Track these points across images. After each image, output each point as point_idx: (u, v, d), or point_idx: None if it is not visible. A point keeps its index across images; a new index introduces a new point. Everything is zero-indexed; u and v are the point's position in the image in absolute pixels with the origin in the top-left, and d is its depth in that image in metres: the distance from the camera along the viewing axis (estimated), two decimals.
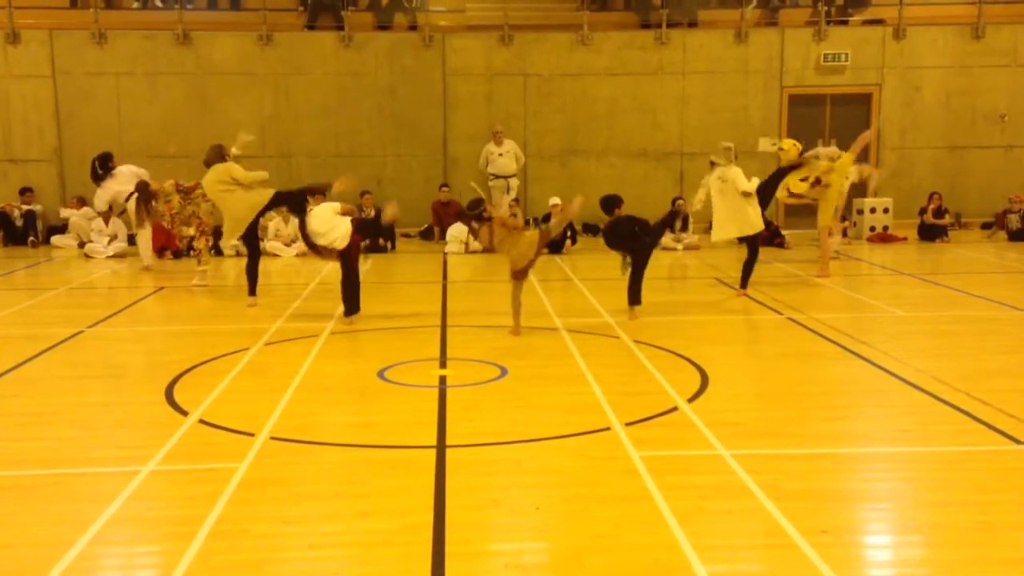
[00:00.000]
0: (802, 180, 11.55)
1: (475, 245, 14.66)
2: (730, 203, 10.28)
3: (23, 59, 16.21)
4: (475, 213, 8.45)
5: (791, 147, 11.43)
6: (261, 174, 9.99)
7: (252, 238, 10.04)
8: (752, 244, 10.37)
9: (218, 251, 13.66)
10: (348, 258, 8.96)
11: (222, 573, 3.89)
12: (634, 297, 8.96)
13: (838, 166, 11.73)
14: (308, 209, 9.21)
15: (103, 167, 13.14)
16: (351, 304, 9.01)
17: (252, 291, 9.95)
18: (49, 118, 16.32)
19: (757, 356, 7.77)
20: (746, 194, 10.19)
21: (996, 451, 5.31)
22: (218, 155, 10.02)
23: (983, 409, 6.00)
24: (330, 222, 8.94)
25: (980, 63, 16.98)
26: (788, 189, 11.65)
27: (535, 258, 8.37)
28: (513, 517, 4.46)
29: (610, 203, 9.07)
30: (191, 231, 11.62)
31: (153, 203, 11.65)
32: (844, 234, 14.70)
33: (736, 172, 10.25)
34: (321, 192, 10.41)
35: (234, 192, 9.79)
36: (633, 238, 8.93)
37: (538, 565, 3.99)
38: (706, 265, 12.76)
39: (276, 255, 14.21)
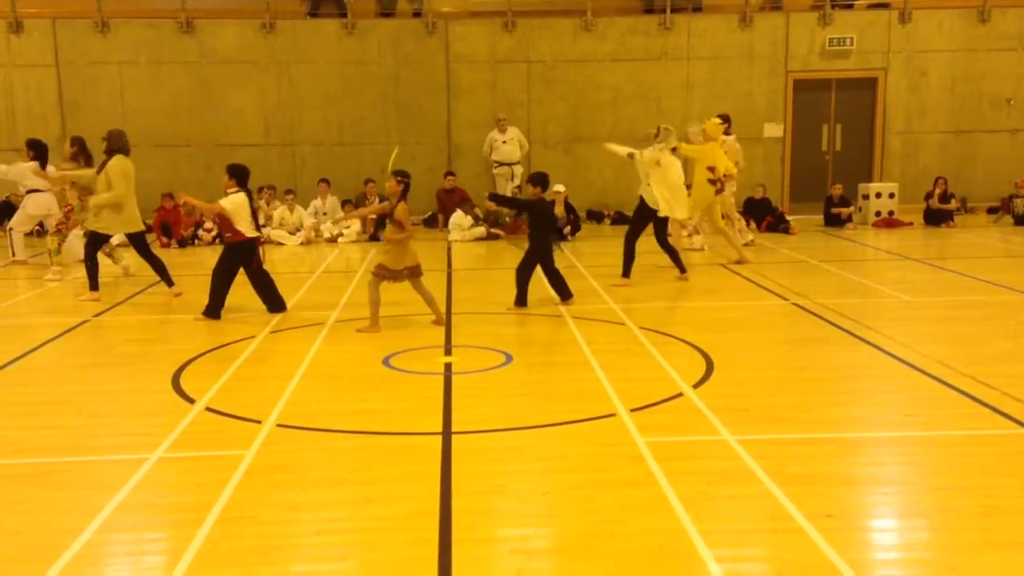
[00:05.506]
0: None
1: (479, 231, 14.67)
2: (673, 183, 10.19)
3: (26, 48, 16.24)
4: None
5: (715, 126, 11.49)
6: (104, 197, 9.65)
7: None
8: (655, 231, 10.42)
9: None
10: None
11: (230, 559, 3.91)
12: (521, 297, 9.02)
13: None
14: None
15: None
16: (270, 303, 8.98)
17: (169, 282, 9.99)
18: (53, 107, 16.35)
19: (762, 341, 7.77)
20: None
21: (1002, 435, 5.32)
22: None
23: (989, 393, 6.00)
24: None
25: (986, 47, 16.92)
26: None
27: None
28: (519, 503, 4.48)
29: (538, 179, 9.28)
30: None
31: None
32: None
33: (671, 163, 10.15)
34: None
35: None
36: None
37: (544, 550, 4.01)
38: (709, 251, 12.74)
39: (281, 243, 14.24)
